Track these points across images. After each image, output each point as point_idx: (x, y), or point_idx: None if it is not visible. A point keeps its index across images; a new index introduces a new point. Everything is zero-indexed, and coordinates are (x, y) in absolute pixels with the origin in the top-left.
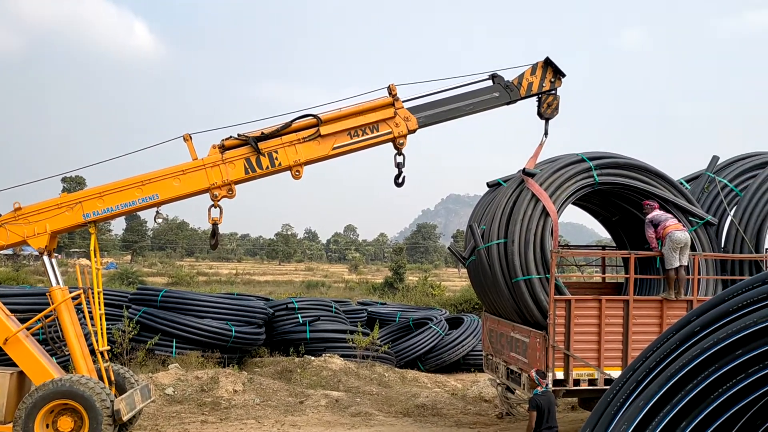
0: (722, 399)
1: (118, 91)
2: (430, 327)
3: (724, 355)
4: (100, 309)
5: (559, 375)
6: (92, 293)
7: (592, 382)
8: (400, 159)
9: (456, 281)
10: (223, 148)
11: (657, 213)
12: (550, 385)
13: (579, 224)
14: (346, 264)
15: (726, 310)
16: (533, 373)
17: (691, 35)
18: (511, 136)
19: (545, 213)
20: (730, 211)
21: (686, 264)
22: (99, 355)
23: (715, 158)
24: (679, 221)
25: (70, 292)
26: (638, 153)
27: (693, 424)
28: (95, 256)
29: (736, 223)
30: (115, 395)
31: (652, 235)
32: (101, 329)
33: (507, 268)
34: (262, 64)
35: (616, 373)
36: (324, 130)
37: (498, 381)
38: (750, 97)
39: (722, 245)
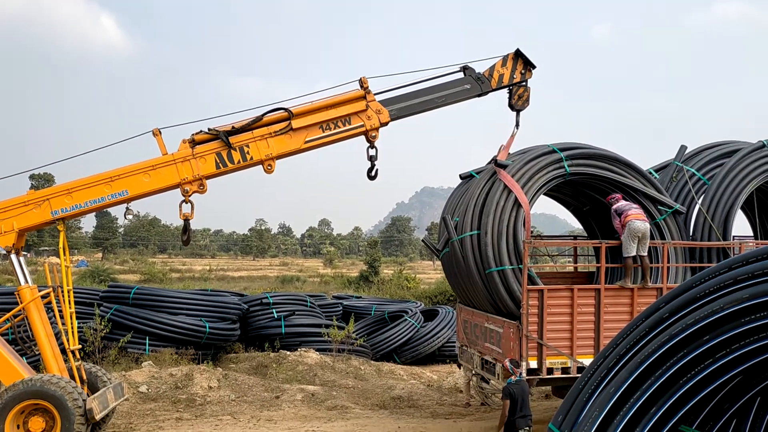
0: (691, 384)
1: (87, 86)
2: (406, 319)
3: (691, 341)
4: (70, 307)
5: (533, 364)
6: (62, 291)
7: (565, 370)
8: (372, 152)
9: (431, 274)
10: (194, 143)
11: (621, 203)
12: (524, 374)
13: (551, 215)
14: (321, 258)
15: (693, 296)
16: (507, 363)
17: (661, 27)
18: (484, 128)
19: (517, 204)
20: (698, 199)
21: (645, 254)
22: (70, 354)
23: (683, 148)
24: (648, 210)
25: (40, 291)
26: (608, 144)
27: (663, 409)
28: (64, 254)
29: (704, 211)
30: (88, 394)
31: (618, 225)
32: (72, 328)
33: (480, 260)
34: (230, 58)
35: (588, 361)
36: (296, 123)
37: (472, 371)
38: (717, 88)
39: (691, 233)
